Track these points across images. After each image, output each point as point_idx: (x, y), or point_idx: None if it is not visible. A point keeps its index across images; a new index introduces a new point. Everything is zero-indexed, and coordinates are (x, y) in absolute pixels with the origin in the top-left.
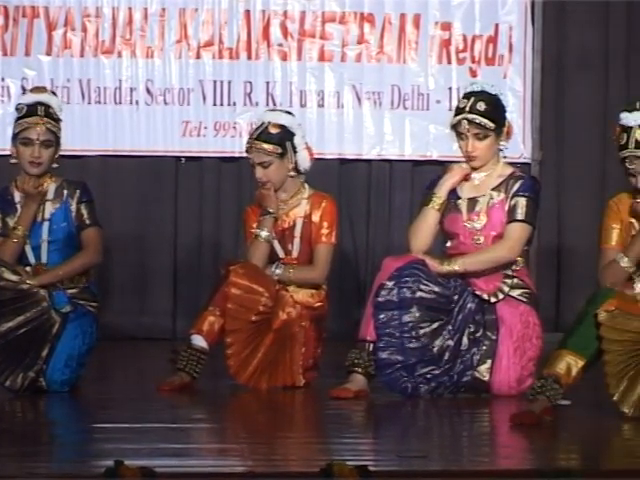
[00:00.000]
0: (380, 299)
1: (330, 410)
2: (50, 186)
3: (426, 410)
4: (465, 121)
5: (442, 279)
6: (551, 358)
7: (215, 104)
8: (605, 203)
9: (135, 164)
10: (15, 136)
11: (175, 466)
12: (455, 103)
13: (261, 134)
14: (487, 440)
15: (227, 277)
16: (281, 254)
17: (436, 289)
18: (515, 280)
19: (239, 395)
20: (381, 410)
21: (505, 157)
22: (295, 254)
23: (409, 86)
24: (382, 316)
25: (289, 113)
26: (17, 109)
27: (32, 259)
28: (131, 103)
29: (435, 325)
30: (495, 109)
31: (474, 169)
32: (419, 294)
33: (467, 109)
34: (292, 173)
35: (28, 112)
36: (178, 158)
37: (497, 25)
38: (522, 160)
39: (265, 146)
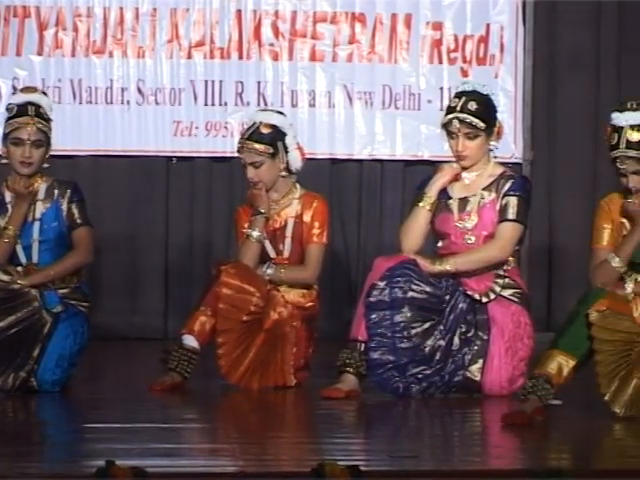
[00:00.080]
0: (372, 299)
1: (321, 410)
2: (41, 186)
3: (417, 410)
4: (456, 120)
5: (433, 279)
6: (542, 358)
7: (206, 104)
8: (596, 203)
9: (126, 164)
10: (5, 136)
11: (166, 466)
12: (446, 103)
13: (252, 134)
14: (478, 440)
15: (218, 277)
16: (272, 254)
17: (428, 289)
18: (506, 280)
19: (230, 395)
20: (372, 410)
21: (496, 157)
22: (286, 254)
23: (400, 86)
24: (374, 316)
25: (280, 113)
26: (7, 109)
27: (23, 259)
28: (122, 103)
29: (427, 325)
30: (486, 109)
31: (464, 169)
32: (410, 294)
33: (458, 108)
34: (283, 173)
35: (19, 112)
36: (169, 158)
37: (488, 25)
38: (513, 160)
39: (256, 146)
